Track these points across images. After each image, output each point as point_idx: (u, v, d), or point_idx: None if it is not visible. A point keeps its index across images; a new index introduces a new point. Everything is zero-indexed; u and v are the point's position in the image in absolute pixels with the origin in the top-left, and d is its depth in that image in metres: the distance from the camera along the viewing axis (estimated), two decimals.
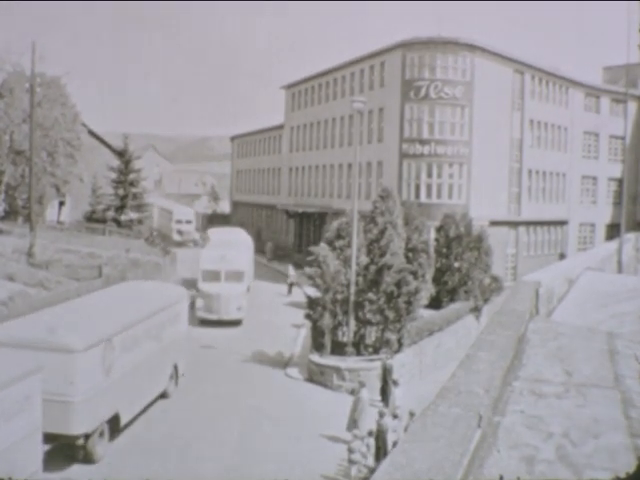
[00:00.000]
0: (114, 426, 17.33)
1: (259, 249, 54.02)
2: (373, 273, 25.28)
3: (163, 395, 20.99)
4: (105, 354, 16.71)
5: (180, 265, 42.57)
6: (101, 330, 16.93)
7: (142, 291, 22.96)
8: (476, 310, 32.50)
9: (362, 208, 29.69)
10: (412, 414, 16.86)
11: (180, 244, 58.98)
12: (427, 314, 28.91)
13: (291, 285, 40.09)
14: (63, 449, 16.03)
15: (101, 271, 32.17)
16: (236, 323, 32.03)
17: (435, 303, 32.00)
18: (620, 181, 53.04)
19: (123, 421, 17.74)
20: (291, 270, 41.02)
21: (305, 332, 29.20)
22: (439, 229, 35.37)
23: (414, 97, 40.52)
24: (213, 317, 31.83)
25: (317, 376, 24.19)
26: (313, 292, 25.72)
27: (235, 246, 35.79)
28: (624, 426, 9.83)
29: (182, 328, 22.73)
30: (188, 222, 63.72)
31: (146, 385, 19.40)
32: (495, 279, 34.08)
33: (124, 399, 17.76)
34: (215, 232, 44.85)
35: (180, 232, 62.13)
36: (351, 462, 16.31)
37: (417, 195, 40.24)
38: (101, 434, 16.61)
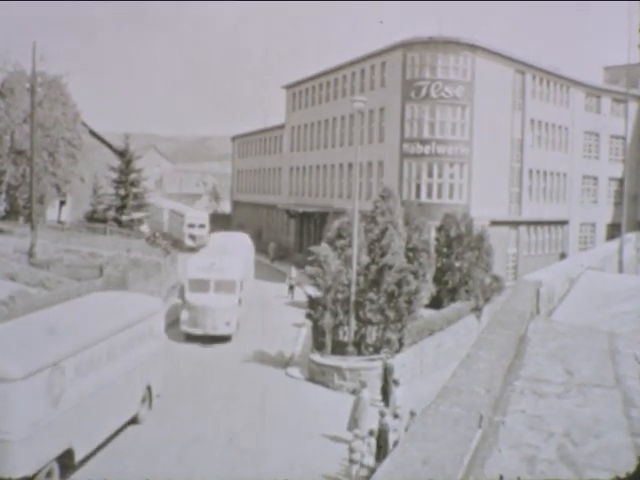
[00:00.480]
0: (67, 462, 14.95)
1: (261, 249, 53.90)
2: (374, 273, 25.29)
3: (134, 420, 18.70)
4: (52, 381, 14.28)
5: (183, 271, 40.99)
6: (48, 352, 14.47)
7: (108, 304, 20.13)
8: (477, 310, 32.52)
9: (363, 208, 29.71)
10: (413, 414, 16.86)
11: (193, 250, 56.75)
12: (428, 314, 28.92)
13: (292, 287, 39.62)
14: None
15: (102, 271, 32.18)
16: (224, 339, 28.96)
17: (436, 303, 31.99)
18: (621, 181, 53.05)
19: (79, 456, 15.39)
20: (293, 272, 40.40)
21: (306, 332, 29.20)
22: (440, 229, 35.38)
23: (415, 97, 40.52)
24: (198, 332, 28.71)
25: (318, 376, 24.20)
26: (314, 292, 25.72)
27: (229, 253, 32.30)
28: (625, 426, 9.83)
29: (156, 344, 20.23)
30: (201, 226, 59.40)
31: (109, 413, 16.98)
32: (496, 279, 34.10)
33: (80, 431, 15.36)
34: (214, 237, 43.43)
35: (193, 237, 57.75)
36: (352, 462, 16.31)
37: (418, 195, 40.26)
38: (49, 474, 14.34)
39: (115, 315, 18.36)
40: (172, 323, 29.45)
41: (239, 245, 36.90)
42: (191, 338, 28.82)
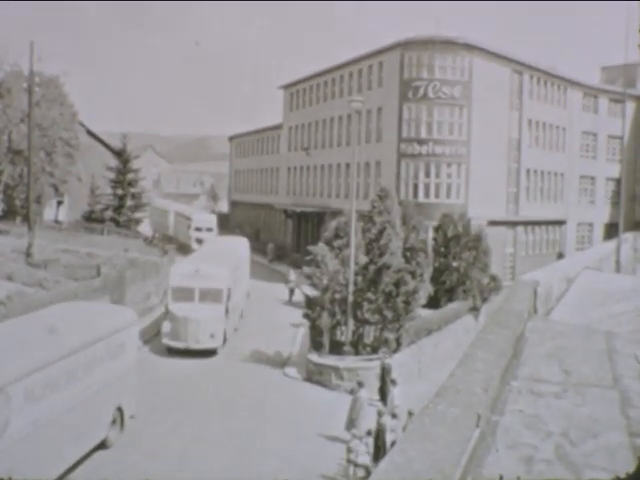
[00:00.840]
0: None
1: (259, 249, 53.78)
2: (372, 273, 25.28)
3: (102, 445, 16.87)
4: None
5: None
6: None
7: (72, 317, 17.74)
8: (474, 309, 32.49)
9: (360, 208, 29.69)
10: (411, 414, 16.83)
11: None
12: (425, 314, 28.90)
13: (292, 290, 39.25)
14: None
15: (99, 271, 32.16)
16: (209, 353, 26.59)
17: (433, 302, 31.95)
18: (618, 181, 53.16)
19: None
20: (292, 275, 40.05)
21: (303, 331, 29.17)
22: (437, 228, 35.36)
23: (412, 97, 40.51)
24: (180, 345, 26.29)
25: (316, 376, 24.17)
26: (311, 292, 25.69)
27: (217, 259, 30.17)
28: (623, 425, 9.84)
29: (128, 360, 18.26)
30: (209, 230, 56.46)
31: (70, 440, 15.23)
32: (493, 278, 34.06)
33: (32, 464, 13.65)
34: (206, 242, 42.32)
35: (200, 241, 53.67)
36: (350, 462, 16.29)
37: (415, 195, 40.24)
38: None
39: (78, 330, 16.36)
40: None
41: (231, 250, 34.78)
42: (174, 351, 26.55)
